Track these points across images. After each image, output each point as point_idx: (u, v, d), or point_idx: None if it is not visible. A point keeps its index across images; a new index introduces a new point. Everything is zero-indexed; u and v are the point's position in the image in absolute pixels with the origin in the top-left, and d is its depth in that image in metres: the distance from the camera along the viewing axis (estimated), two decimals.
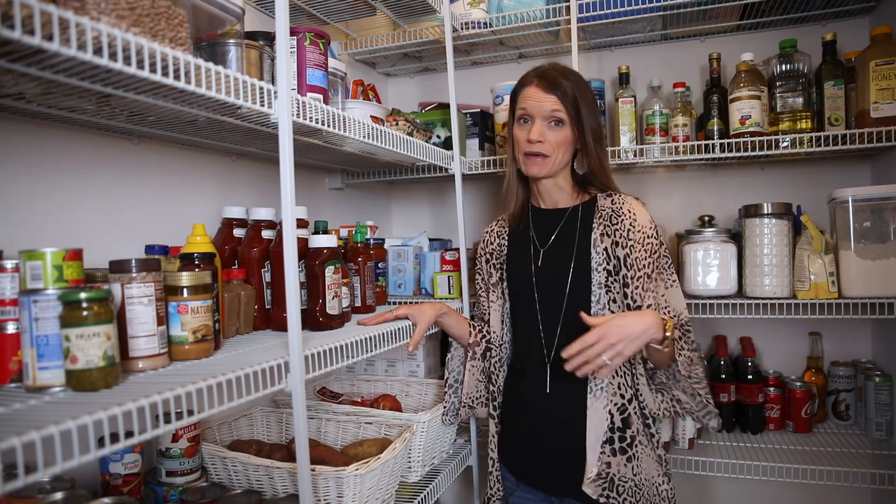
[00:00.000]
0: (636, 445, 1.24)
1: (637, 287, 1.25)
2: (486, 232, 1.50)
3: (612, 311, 1.26)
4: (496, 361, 1.43)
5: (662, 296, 1.29)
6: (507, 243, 1.44)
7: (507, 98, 1.89)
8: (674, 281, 1.30)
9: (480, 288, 1.51)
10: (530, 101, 1.30)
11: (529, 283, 1.35)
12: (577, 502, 1.26)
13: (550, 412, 1.29)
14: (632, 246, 1.27)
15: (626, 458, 1.24)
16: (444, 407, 1.52)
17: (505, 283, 1.42)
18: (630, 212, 1.29)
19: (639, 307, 1.25)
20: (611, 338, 1.12)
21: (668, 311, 1.29)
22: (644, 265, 1.26)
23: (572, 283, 1.29)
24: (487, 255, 1.47)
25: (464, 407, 1.49)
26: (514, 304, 1.40)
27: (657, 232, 1.30)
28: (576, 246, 1.31)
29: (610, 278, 1.27)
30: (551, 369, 1.31)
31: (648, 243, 1.27)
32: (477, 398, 1.50)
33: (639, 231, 1.27)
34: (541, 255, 1.35)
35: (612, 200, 1.33)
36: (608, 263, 1.27)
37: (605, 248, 1.28)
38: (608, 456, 1.23)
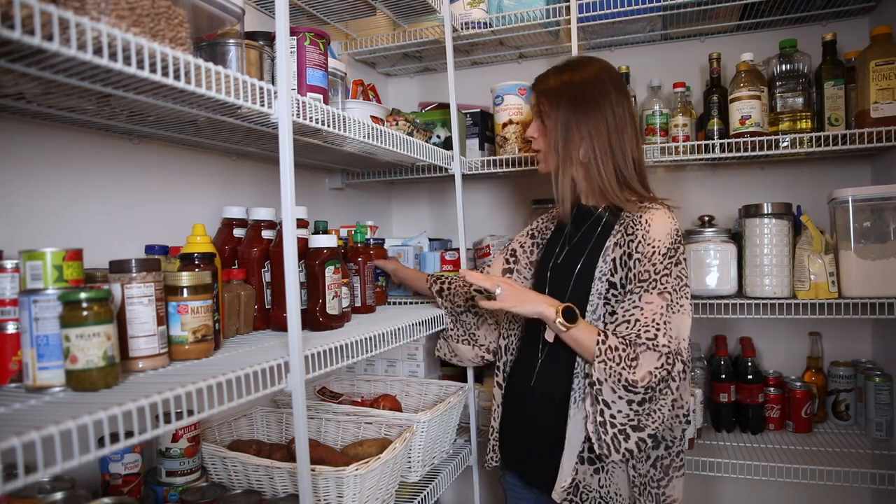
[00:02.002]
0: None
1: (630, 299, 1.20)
2: (541, 216, 1.53)
3: (605, 324, 1.22)
4: (513, 338, 1.44)
5: (657, 316, 1.16)
6: (553, 227, 1.45)
7: (507, 98, 1.89)
8: (682, 306, 1.19)
9: (510, 261, 1.47)
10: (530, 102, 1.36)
11: (545, 277, 1.36)
12: (546, 498, 1.26)
13: (534, 409, 1.31)
14: (637, 259, 1.20)
15: (594, 469, 1.21)
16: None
17: (535, 266, 1.44)
18: (646, 222, 1.21)
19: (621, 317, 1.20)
20: (507, 286, 1.24)
21: (637, 325, 1.16)
22: (643, 280, 1.19)
23: (573, 287, 1.28)
24: (533, 231, 1.49)
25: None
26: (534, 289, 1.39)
27: (675, 249, 1.20)
28: (587, 250, 1.28)
29: (612, 290, 1.22)
30: (540, 367, 1.31)
31: (655, 260, 1.19)
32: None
33: (648, 244, 1.20)
34: (564, 252, 1.34)
35: (640, 208, 1.25)
36: (613, 275, 1.23)
37: (615, 259, 1.23)
38: (577, 463, 1.22)
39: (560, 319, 1.17)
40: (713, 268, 1.71)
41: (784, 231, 1.68)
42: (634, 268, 1.20)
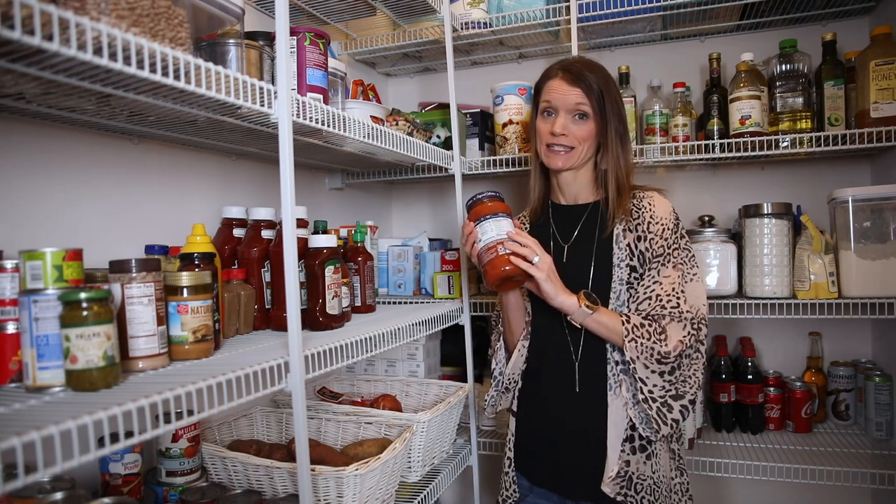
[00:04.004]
0: (655, 443, 1.24)
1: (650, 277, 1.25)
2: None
3: (629, 308, 1.25)
4: (517, 370, 1.39)
5: (676, 286, 1.23)
6: (527, 229, 1.44)
7: (507, 98, 1.89)
8: (694, 274, 1.26)
9: None
10: (555, 93, 1.29)
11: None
12: None
13: (575, 412, 1.28)
14: (651, 239, 1.25)
15: (646, 455, 1.24)
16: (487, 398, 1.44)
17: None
18: (650, 204, 1.28)
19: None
20: (546, 262, 1.20)
21: (660, 299, 1.22)
22: (658, 255, 1.25)
23: (594, 279, 1.28)
24: None
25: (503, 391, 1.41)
26: (534, 301, 1.36)
27: (678, 225, 1.28)
28: (596, 241, 1.30)
29: (633, 274, 1.26)
30: (580, 368, 1.29)
31: (666, 235, 1.26)
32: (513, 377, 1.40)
33: (658, 223, 1.26)
34: (565, 252, 1.34)
35: (634, 195, 1.31)
36: (631, 259, 1.26)
37: (629, 244, 1.26)
38: (627, 454, 1.23)
39: (586, 302, 1.20)
40: (713, 268, 1.71)
41: (784, 231, 1.68)
42: (650, 247, 1.25)
